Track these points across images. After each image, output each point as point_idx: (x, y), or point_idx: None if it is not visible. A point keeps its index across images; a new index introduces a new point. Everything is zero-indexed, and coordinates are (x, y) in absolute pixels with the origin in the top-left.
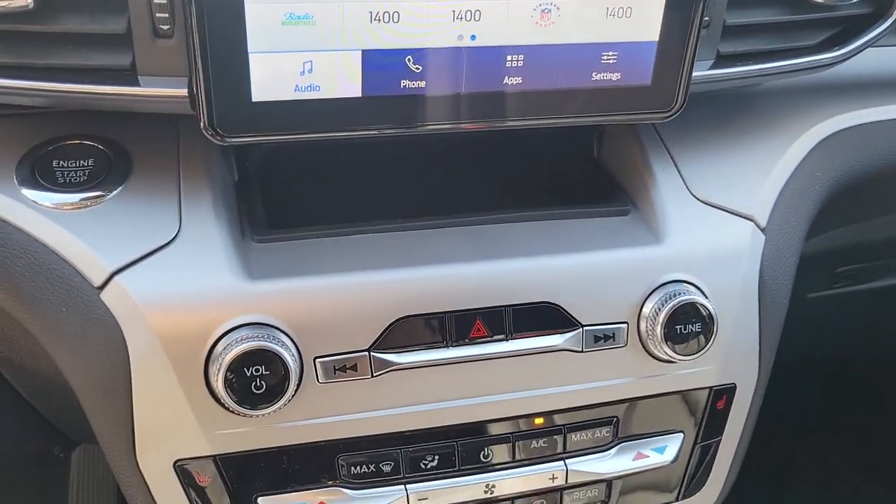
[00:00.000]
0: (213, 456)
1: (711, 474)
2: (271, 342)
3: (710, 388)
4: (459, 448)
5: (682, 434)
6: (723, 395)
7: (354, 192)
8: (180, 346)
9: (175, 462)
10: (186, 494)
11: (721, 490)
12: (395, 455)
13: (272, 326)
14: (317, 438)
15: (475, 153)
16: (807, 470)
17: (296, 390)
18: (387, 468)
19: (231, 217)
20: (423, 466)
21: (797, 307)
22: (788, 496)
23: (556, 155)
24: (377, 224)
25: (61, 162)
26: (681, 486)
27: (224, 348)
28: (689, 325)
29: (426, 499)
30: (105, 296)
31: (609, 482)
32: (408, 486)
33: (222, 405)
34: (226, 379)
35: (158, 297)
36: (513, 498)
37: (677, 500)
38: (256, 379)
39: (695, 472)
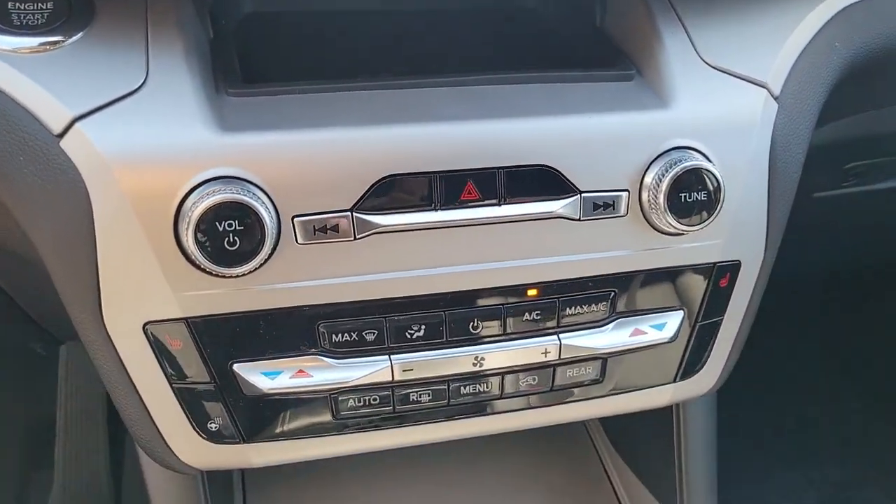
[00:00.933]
0: (185, 319)
1: (711, 356)
2: (245, 195)
3: (714, 264)
4: (447, 318)
5: (682, 312)
6: (726, 273)
7: (340, 49)
8: (148, 200)
9: (144, 325)
10: (157, 360)
11: (720, 374)
12: (380, 324)
13: (247, 181)
14: (296, 303)
15: (472, 17)
16: (797, 379)
17: (272, 250)
18: (370, 337)
19: (203, 68)
20: (408, 336)
21: (803, 207)
22: (770, 401)
23: (556, 24)
24: (363, 81)
25: (18, 4)
26: (679, 368)
27: (195, 202)
28: (693, 194)
29: (411, 370)
30: (65, 144)
31: (604, 360)
32: (392, 356)
33: (194, 264)
34: (196, 234)
35: (124, 147)
36: (503, 373)
37: (674, 381)
38: (229, 235)
39: (694, 352)
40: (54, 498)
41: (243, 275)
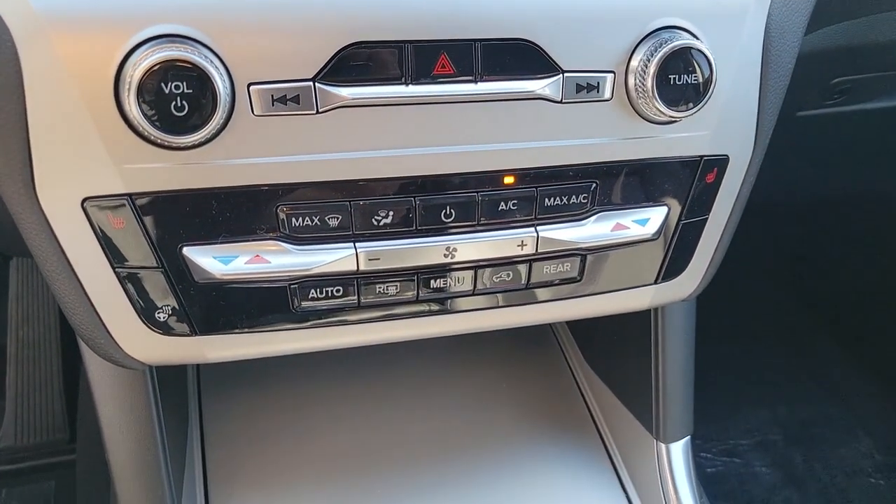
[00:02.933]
0: (128, 195)
1: (694, 257)
2: (195, 55)
3: (701, 157)
4: (417, 204)
5: (666, 208)
6: (714, 168)
7: None
8: (84, 58)
9: (83, 201)
10: (98, 241)
11: (702, 278)
12: (344, 207)
13: (197, 42)
14: (252, 182)
15: None
16: (766, 316)
17: (226, 121)
18: (333, 222)
19: None
20: (375, 223)
21: (786, 128)
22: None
23: None
24: None
25: None
26: (660, 268)
27: (136, 61)
28: (683, 76)
29: (377, 259)
30: None
31: (583, 256)
32: (357, 244)
33: (137, 132)
34: (139, 95)
35: (58, 2)
36: (476, 266)
37: (655, 283)
38: (177, 99)
39: (676, 252)
40: (6, 427)
41: (192, 146)
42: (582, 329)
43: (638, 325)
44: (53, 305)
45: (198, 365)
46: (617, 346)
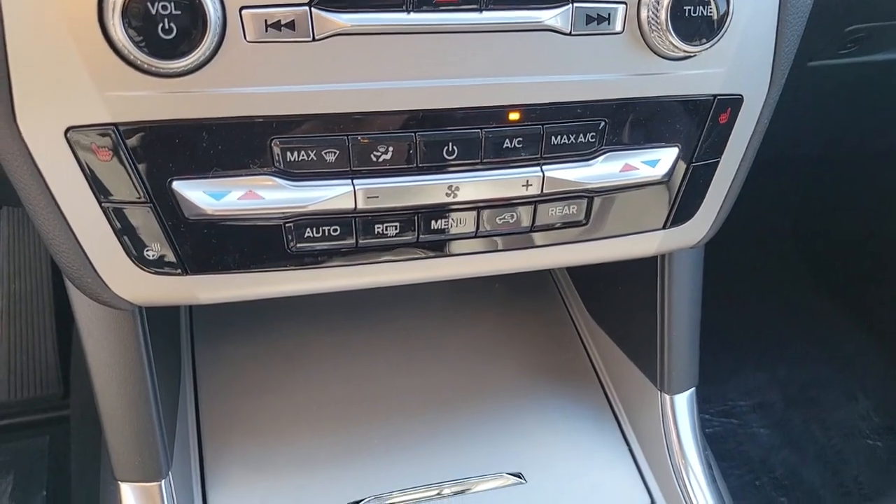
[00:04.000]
0: (114, 125)
1: (704, 202)
2: None
3: (714, 96)
4: (418, 140)
5: (677, 149)
6: (727, 108)
7: None
8: None
9: (66, 130)
10: (83, 174)
11: (711, 224)
12: (341, 142)
13: None
14: (244, 113)
15: None
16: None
17: (217, 47)
18: (330, 157)
19: None
20: (374, 159)
21: (798, 78)
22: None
23: None
24: None
25: None
26: (669, 213)
27: None
28: (699, 8)
29: (376, 197)
30: None
31: (590, 198)
32: (355, 180)
33: (122, 56)
34: (125, 17)
35: None
36: (478, 207)
37: (664, 227)
38: (164, 20)
39: (687, 196)
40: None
41: (181, 73)
42: (584, 279)
43: (643, 274)
44: (45, 258)
45: (190, 312)
46: (621, 297)
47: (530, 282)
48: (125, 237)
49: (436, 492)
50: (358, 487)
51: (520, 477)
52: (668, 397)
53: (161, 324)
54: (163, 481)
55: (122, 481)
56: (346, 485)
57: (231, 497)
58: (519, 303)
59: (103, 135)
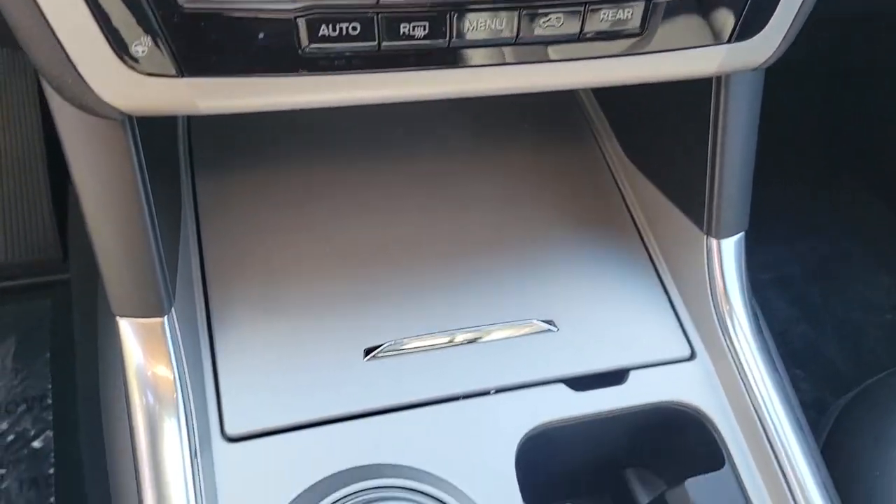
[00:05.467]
0: None
1: (776, 13)
2: None
3: None
4: None
5: None
6: None
7: None
8: None
9: None
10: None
11: (780, 41)
12: None
13: None
14: None
15: None
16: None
17: None
18: None
19: None
20: None
21: None
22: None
23: None
24: None
25: None
26: (736, 23)
27: None
28: None
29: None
30: None
31: (648, 1)
32: None
33: None
34: None
35: None
36: (521, 7)
37: (727, 42)
38: None
39: (755, 3)
40: None
41: None
42: (621, 117)
43: (692, 104)
44: (36, 110)
45: (189, 138)
46: (664, 133)
47: (561, 121)
48: (109, 28)
49: (461, 338)
50: (375, 334)
51: (551, 324)
52: (714, 242)
53: (157, 151)
54: (165, 318)
55: (120, 316)
56: (362, 331)
57: (239, 339)
58: (549, 144)
59: None
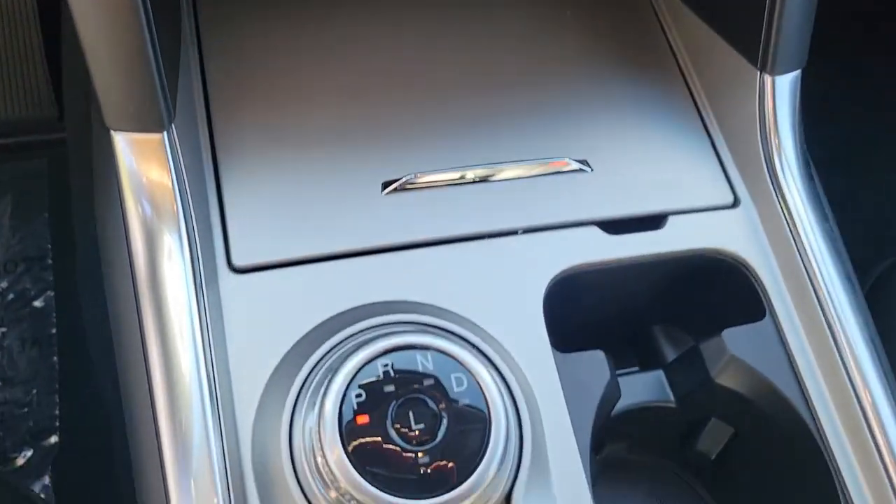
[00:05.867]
0: None
1: None
2: None
3: None
4: None
5: None
6: None
7: None
8: None
9: None
10: None
11: None
12: None
13: None
14: None
15: None
16: None
17: None
18: None
19: None
20: None
21: None
22: None
23: None
24: None
25: None
26: None
27: None
28: None
29: None
30: None
31: None
32: None
33: None
34: None
35: None
36: None
37: None
38: None
39: None
40: None
41: None
42: None
43: None
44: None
45: None
46: None
47: None
48: None
49: (489, 174)
50: (395, 166)
51: (585, 164)
52: (769, 79)
53: None
54: (164, 133)
55: (115, 130)
56: (381, 162)
57: (246, 165)
58: None
59: None
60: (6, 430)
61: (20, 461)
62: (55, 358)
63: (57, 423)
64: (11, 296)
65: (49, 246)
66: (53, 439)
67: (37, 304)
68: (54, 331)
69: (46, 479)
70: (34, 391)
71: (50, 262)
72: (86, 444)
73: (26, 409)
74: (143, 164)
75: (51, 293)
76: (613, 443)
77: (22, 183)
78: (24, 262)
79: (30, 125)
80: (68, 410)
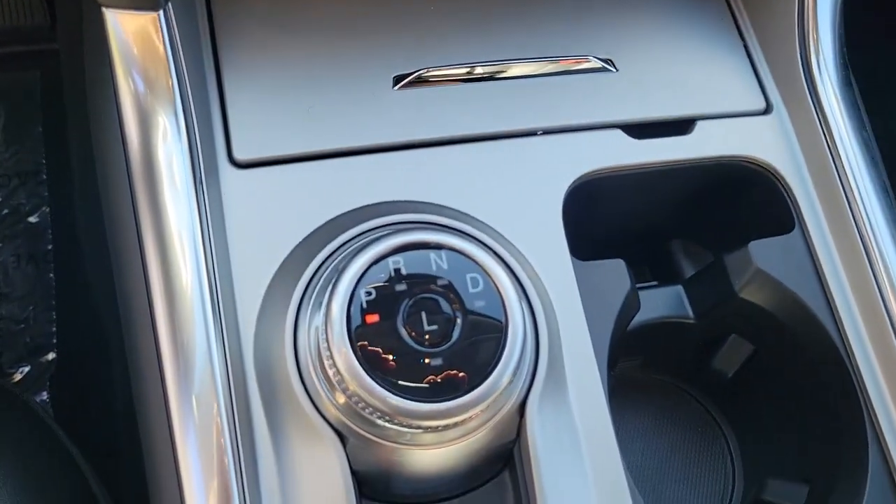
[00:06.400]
0: None
1: None
2: None
3: None
4: None
5: None
6: None
7: None
8: None
9: None
10: None
11: None
12: None
13: None
14: None
15: None
16: None
17: None
18: None
19: None
20: None
21: None
22: None
23: None
24: None
25: None
26: None
27: None
28: None
29: None
30: None
31: None
32: None
33: None
34: None
35: None
36: None
37: None
38: None
39: None
40: None
41: None
42: None
43: None
44: None
45: None
46: None
47: None
48: None
49: (508, 70)
50: (408, 60)
51: (609, 64)
52: None
53: None
54: (160, 12)
55: (105, 7)
56: (392, 56)
57: (248, 55)
58: None
59: None
60: (3, 347)
61: (18, 377)
62: (51, 275)
63: (54, 341)
64: (6, 211)
65: (43, 161)
66: (51, 356)
67: (32, 219)
68: (50, 247)
69: (45, 395)
70: (31, 307)
71: (44, 177)
72: (83, 361)
73: (23, 326)
74: (136, 42)
75: (46, 209)
76: (626, 359)
77: (14, 95)
78: (17, 177)
79: (21, 34)
80: (65, 327)
